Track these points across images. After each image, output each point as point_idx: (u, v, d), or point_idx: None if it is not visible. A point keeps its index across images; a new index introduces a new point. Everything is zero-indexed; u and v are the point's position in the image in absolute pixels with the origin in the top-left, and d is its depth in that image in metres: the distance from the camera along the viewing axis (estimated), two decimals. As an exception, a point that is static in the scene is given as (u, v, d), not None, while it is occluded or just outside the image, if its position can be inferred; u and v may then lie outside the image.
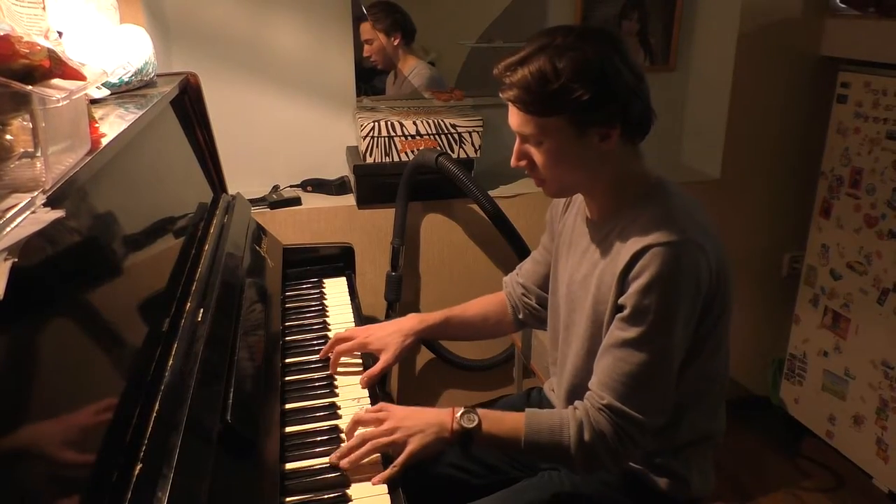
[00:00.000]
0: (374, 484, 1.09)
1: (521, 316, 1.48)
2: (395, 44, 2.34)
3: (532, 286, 1.45)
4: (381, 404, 1.21)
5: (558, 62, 1.04)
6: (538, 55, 1.06)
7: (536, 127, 1.09)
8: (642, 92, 1.11)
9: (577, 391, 1.22)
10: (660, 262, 1.05)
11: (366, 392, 1.33)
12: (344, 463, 1.11)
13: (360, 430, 1.14)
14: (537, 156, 1.13)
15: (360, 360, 1.43)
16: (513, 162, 1.17)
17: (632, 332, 1.08)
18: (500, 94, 1.11)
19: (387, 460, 1.13)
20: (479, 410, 1.15)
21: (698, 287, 1.07)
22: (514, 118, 1.12)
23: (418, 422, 1.14)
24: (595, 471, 1.24)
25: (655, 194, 1.16)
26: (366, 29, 2.31)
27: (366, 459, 1.12)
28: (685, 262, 1.06)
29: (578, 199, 1.29)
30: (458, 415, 1.14)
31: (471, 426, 1.13)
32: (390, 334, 1.41)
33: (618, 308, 1.11)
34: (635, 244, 1.08)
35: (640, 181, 1.18)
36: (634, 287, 1.07)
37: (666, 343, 1.08)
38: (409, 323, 1.44)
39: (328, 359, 1.40)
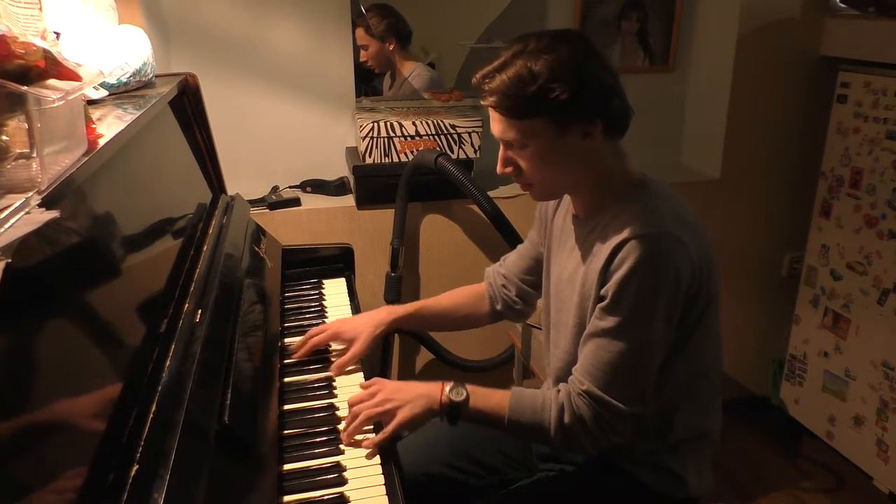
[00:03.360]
0: (364, 447, 1.15)
1: (498, 307, 1.49)
2: (391, 49, 2.34)
3: (513, 277, 1.46)
4: (374, 378, 1.26)
5: (534, 65, 1.06)
6: (514, 61, 1.08)
7: (519, 131, 1.11)
8: (619, 88, 1.13)
9: None
10: (638, 253, 1.07)
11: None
12: (343, 438, 1.17)
13: (355, 407, 1.20)
14: (523, 160, 1.15)
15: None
16: (499, 169, 1.19)
17: (610, 321, 1.10)
18: (481, 102, 1.14)
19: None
20: (468, 386, 1.19)
21: (678, 279, 1.09)
22: (497, 125, 1.14)
23: (408, 394, 1.19)
24: (575, 453, 1.30)
25: (638, 191, 1.17)
26: (360, 35, 2.31)
27: (361, 434, 1.17)
28: (663, 253, 1.08)
29: (567, 198, 1.30)
30: (448, 389, 1.18)
31: (459, 399, 1.17)
32: (362, 324, 1.44)
33: (600, 299, 1.13)
34: (616, 238, 1.10)
35: (624, 179, 1.19)
36: (615, 278, 1.09)
37: (645, 332, 1.10)
38: (380, 315, 1.47)
39: (325, 360, 1.41)
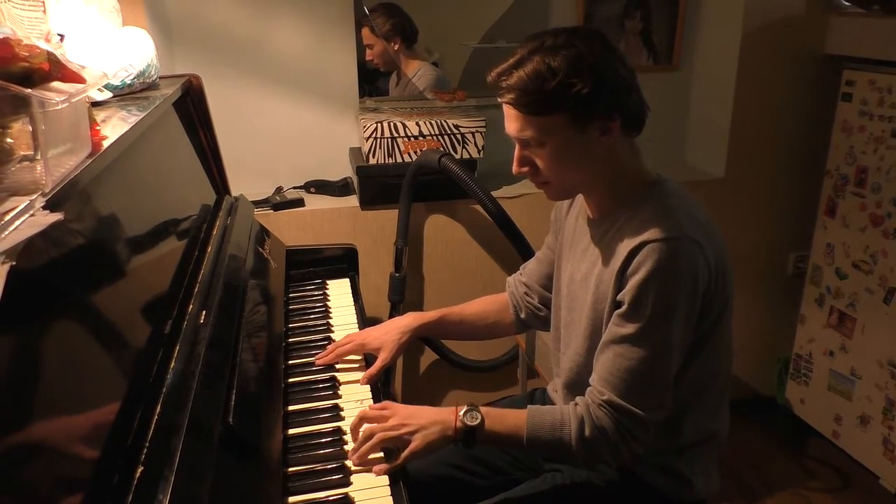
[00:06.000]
0: (376, 474, 1.11)
1: (523, 316, 1.48)
2: (396, 48, 2.34)
3: (535, 285, 1.45)
4: (385, 402, 1.22)
5: (552, 61, 1.05)
6: (531, 57, 1.07)
7: (537, 128, 1.10)
8: (635, 84, 1.12)
9: (575, 389, 1.22)
10: (656, 257, 1.06)
11: (369, 394, 1.33)
12: (354, 458, 1.13)
13: (367, 426, 1.16)
14: (540, 158, 1.13)
15: (361, 360, 1.43)
16: (514, 169, 1.17)
17: (630, 328, 1.09)
18: (499, 99, 1.12)
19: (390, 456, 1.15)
20: (482, 408, 1.16)
21: (696, 283, 1.08)
22: (513, 124, 1.12)
23: (423, 419, 1.15)
24: (596, 466, 1.26)
25: (654, 192, 1.16)
26: (366, 34, 2.31)
27: (372, 455, 1.14)
28: (682, 257, 1.06)
29: (580, 198, 1.29)
30: (462, 413, 1.14)
31: (474, 424, 1.13)
32: (387, 333, 1.42)
33: (616, 304, 1.12)
34: (632, 241, 1.09)
35: (639, 179, 1.18)
36: (632, 283, 1.08)
37: (664, 338, 1.08)
38: (405, 321, 1.45)
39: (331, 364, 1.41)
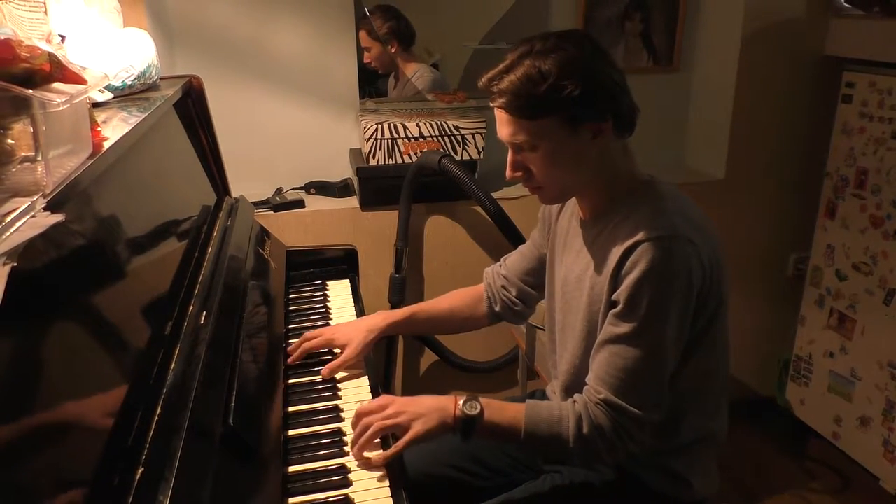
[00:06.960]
0: (374, 462, 1.12)
1: (497, 308, 1.48)
2: (393, 51, 2.34)
3: (514, 278, 1.45)
4: (383, 396, 1.22)
5: (543, 64, 1.06)
6: (521, 61, 1.07)
7: (529, 132, 1.10)
8: (626, 86, 1.13)
9: (573, 391, 1.22)
10: (650, 256, 1.06)
11: (369, 395, 1.33)
12: (353, 451, 1.13)
13: (365, 418, 1.16)
14: (533, 162, 1.13)
15: (361, 362, 1.43)
16: (508, 174, 1.17)
17: (625, 327, 1.09)
18: (490, 103, 1.12)
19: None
20: (482, 399, 1.16)
21: (690, 281, 1.08)
22: (506, 128, 1.12)
23: (421, 407, 1.15)
24: (593, 464, 1.26)
25: (646, 192, 1.16)
26: (363, 37, 2.31)
27: (372, 447, 1.14)
28: (676, 256, 1.07)
29: (572, 200, 1.29)
30: (461, 402, 1.15)
31: (473, 413, 1.14)
32: (354, 330, 1.43)
33: (611, 304, 1.12)
34: (626, 241, 1.09)
35: (631, 179, 1.18)
36: (626, 282, 1.08)
37: (660, 337, 1.09)
38: (375, 320, 1.46)
39: (328, 362, 1.41)
